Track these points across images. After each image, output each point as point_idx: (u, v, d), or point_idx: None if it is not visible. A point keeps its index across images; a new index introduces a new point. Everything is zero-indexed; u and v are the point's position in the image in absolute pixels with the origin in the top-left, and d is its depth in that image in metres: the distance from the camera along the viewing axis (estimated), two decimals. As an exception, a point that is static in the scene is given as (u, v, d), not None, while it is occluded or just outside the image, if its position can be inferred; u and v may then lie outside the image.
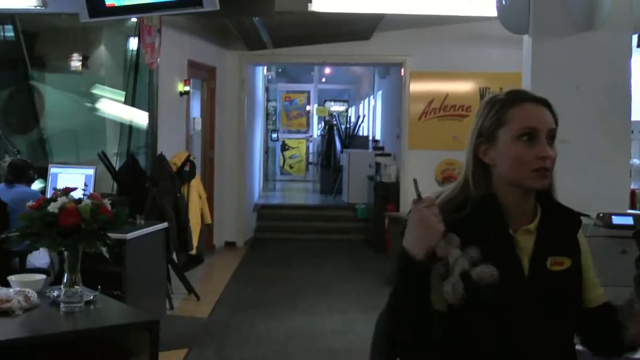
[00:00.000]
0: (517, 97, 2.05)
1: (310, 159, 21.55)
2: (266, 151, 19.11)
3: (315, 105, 22.31)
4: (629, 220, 3.82)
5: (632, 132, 5.49)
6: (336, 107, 22.84)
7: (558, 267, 2.05)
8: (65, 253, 3.30)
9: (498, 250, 1.99)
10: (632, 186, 5.75)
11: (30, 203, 3.31)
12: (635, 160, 7.95)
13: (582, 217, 2.14)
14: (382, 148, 14.54)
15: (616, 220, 3.26)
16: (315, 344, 6.68)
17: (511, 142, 2.01)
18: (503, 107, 2.04)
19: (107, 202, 3.37)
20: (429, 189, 2.16)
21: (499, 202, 2.04)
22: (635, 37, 6.62)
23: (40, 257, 6.66)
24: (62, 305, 3.32)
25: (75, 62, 8.59)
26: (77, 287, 3.31)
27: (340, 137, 17.72)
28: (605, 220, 3.33)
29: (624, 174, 4.99)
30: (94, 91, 8.80)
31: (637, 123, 7.47)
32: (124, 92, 8.66)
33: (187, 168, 8.31)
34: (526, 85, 5.04)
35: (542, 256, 2.04)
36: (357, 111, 22.42)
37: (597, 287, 2.18)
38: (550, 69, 4.94)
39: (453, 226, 1.97)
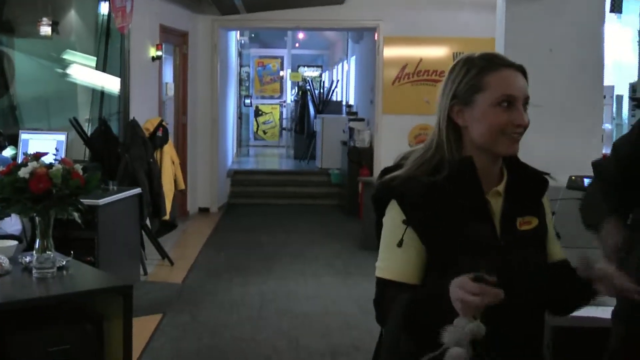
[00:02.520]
0: (495, 62, 2.03)
1: (284, 125, 21.50)
2: (240, 117, 19.03)
3: (289, 71, 22.21)
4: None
5: (605, 97, 5.53)
6: (310, 73, 22.76)
7: (527, 226, 2.08)
8: (37, 219, 3.27)
9: (473, 213, 2.01)
10: (604, 151, 5.80)
11: (0, 168, 3.28)
12: (607, 125, 8.01)
13: (548, 178, 2.16)
14: (355, 113, 14.55)
15: (588, 183, 3.29)
16: (289, 308, 6.70)
17: (489, 108, 2.00)
18: (481, 71, 2.02)
19: (78, 167, 3.34)
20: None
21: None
22: (608, 2, 6.64)
23: (12, 223, 6.61)
24: (34, 271, 3.31)
25: (45, 27, 8.45)
26: (50, 252, 3.30)
27: (314, 103, 17.70)
28: (577, 183, 3.36)
29: (596, 139, 5.03)
30: (65, 57, 8.68)
31: (609, 88, 7.53)
32: (95, 58, 8.55)
33: (159, 133, 8.26)
34: (499, 48, 5.04)
35: (511, 217, 2.06)
36: (330, 76, 22.38)
37: (556, 241, 2.22)
38: (524, 32, 4.94)
39: (429, 189, 1.99)
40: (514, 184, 2.09)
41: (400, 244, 2.00)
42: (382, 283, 2.06)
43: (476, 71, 2.02)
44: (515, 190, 2.08)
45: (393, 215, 2.05)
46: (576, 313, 3.14)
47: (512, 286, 1.96)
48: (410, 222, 2.00)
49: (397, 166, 2.11)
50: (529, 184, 2.12)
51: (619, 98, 8.89)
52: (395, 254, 2.03)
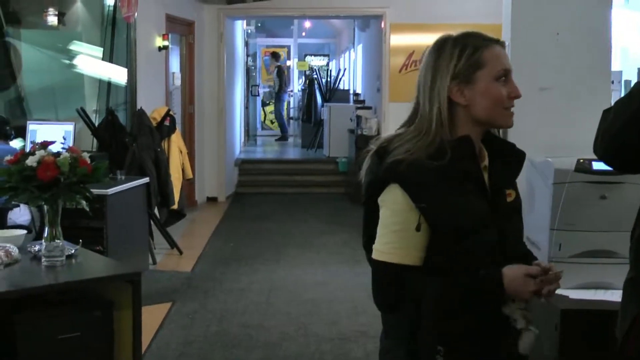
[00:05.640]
0: (484, 39, 2.13)
1: (291, 114, 21.47)
2: (247, 106, 18.98)
3: (296, 60, 22.17)
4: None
5: (612, 82, 5.50)
6: (317, 62, 22.73)
7: (510, 198, 2.18)
8: (45, 207, 3.28)
9: (475, 190, 2.08)
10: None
11: (8, 157, 3.28)
12: (614, 110, 7.95)
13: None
14: (362, 101, 14.53)
15: (596, 166, 3.29)
16: (297, 295, 6.72)
17: (491, 83, 2.08)
18: (477, 49, 2.10)
19: (85, 155, 3.34)
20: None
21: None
22: (615, -14, 6.60)
23: (20, 214, 6.65)
24: (43, 259, 3.32)
25: (51, 18, 8.46)
26: (58, 241, 3.30)
27: (321, 91, 17.67)
28: (585, 166, 3.36)
29: (604, 123, 4.99)
30: (71, 47, 8.69)
31: (617, 73, 7.49)
32: (101, 48, 8.56)
33: (167, 123, 8.26)
34: (506, 34, 5.01)
35: (500, 189, 2.15)
36: (337, 65, 22.33)
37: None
38: (530, 17, 4.91)
39: (436, 173, 2.01)
40: (496, 157, 2.17)
41: (418, 228, 2.02)
42: (389, 267, 2.06)
43: (472, 49, 2.10)
44: (498, 164, 2.16)
45: (397, 200, 2.05)
46: (584, 296, 3.17)
47: (507, 256, 2.09)
48: (420, 205, 2.02)
49: (385, 150, 2.12)
50: (509, 157, 2.20)
51: (627, 83, 8.84)
52: (407, 238, 2.04)
